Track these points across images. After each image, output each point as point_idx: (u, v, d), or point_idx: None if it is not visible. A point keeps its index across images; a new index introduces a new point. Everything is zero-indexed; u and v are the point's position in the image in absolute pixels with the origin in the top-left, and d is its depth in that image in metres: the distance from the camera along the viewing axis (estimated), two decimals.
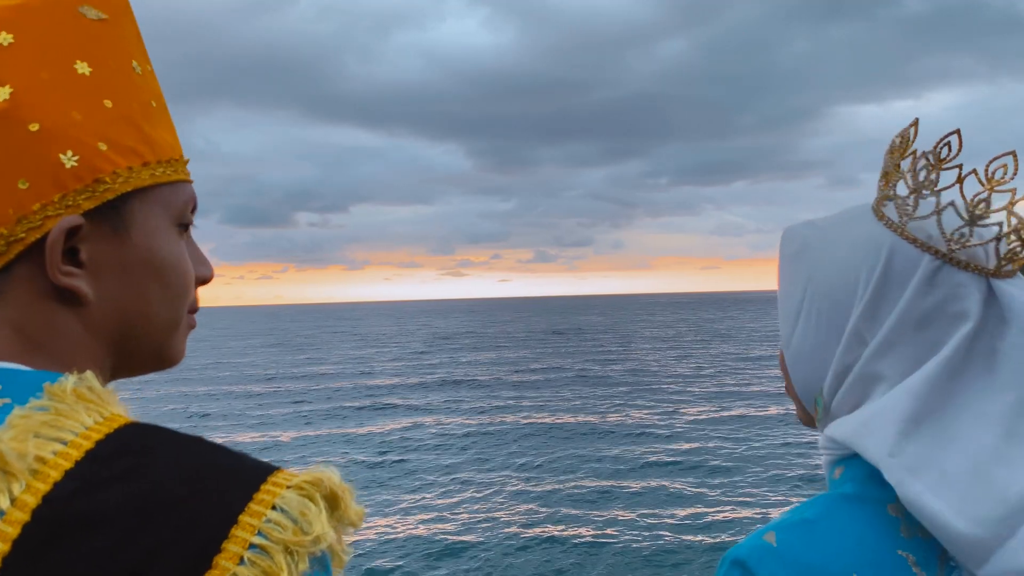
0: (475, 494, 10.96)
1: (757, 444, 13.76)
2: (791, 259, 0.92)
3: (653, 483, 11.31)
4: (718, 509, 9.86)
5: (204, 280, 0.75)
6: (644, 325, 63.37)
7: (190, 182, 0.72)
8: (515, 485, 11.36)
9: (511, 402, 20.26)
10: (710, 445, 13.95)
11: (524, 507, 10.18)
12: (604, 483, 11.31)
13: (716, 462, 12.39)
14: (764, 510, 9.69)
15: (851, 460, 0.81)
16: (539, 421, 16.82)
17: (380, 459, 13.55)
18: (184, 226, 0.71)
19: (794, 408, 0.97)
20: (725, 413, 17.50)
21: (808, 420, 0.94)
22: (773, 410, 17.95)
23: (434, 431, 16.58)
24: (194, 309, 0.74)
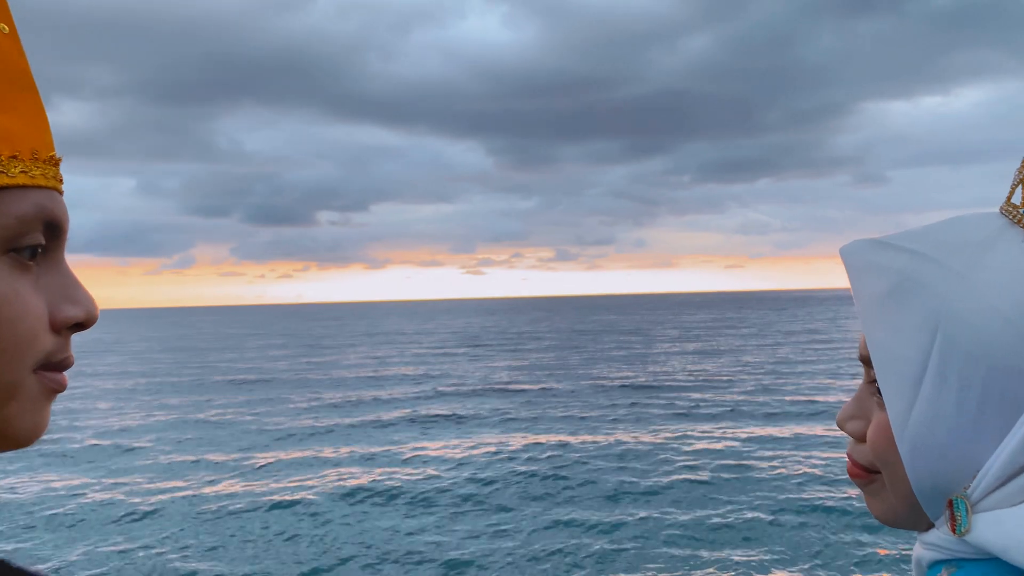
0: (495, 522, 10.34)
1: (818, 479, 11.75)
2: (889, 301, 0.65)
3: (695, 515, 10.39)
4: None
5: (75, 323, 0.53)
6: (669, 326, 62.79)
7: (44, 186, 0.51)
8: (543, 514, 10.44)
9: (541, 412, 19.47)
10: (751, 463, 13.31)
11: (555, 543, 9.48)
12: (645, 513, 10.15)
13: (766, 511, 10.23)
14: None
15: (969, 562, 0.62)
16: (571, 438, 16.09)
17: (391, 481, 12.72)
18: (28, 250, 0.49)
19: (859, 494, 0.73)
20: (776, 431, 16.47)
21: (908, 521, 0.68)
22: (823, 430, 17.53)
23: (455, 446, 16.28)
24: (57, 365, 0.52)
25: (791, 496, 10.67)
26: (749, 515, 9.97)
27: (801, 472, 11.93)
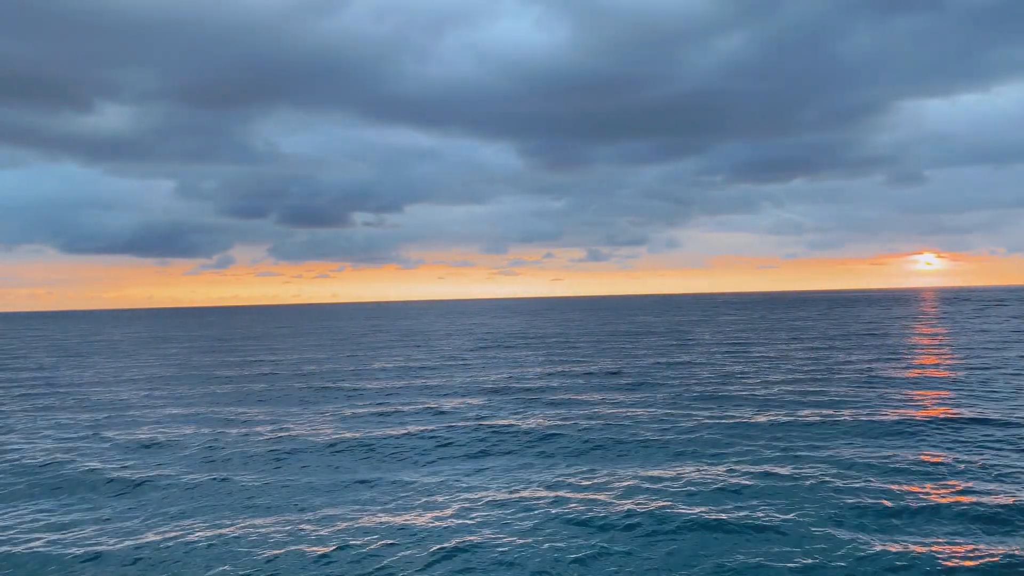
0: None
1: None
2: None
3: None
4: None
5: None
6: (707, 328, 61.34)
7: None
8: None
9: (573, 424, 18.49)
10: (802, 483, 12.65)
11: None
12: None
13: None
14: None
15: None
16: (610, 461, 15.21)
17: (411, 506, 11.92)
18: None
19: None
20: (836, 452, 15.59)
21: None
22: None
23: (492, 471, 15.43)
24: None
25: (845, 536, 9.92)
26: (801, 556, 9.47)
27: (858, 502, 11.24)
